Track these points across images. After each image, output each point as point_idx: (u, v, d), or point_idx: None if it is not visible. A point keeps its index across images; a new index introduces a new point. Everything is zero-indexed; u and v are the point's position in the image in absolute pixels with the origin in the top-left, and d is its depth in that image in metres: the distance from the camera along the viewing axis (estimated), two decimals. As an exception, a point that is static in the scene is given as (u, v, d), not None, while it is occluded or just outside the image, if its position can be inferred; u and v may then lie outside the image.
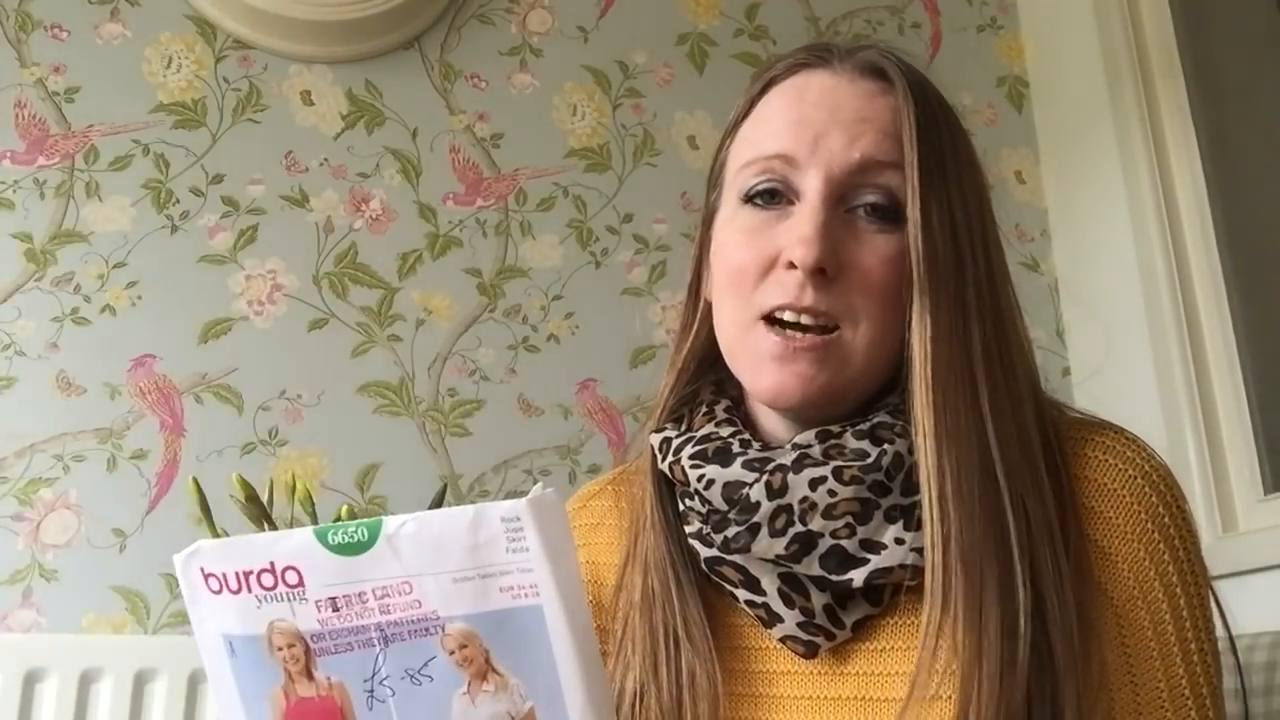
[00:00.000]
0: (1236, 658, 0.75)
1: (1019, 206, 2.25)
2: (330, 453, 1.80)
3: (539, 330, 1.94)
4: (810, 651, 0.72)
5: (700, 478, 0.74)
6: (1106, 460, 0.72)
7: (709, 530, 0.74)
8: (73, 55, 1.86)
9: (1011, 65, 2.33)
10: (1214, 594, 0.72)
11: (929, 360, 0.70)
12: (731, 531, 0.71)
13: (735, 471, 0.72)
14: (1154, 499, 0.70)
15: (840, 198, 0.74)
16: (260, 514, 1.50)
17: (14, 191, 1.79)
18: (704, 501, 0.74)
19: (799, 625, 0.72)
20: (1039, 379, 0.77)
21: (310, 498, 1.56)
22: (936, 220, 0.72)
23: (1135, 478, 0.70)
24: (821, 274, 0.72)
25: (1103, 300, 2.12)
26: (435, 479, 1.81)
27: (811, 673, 0.73)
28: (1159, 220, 1.97)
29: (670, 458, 0.77)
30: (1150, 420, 1.97)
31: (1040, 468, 0.70)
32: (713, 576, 0.75)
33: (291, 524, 1.58)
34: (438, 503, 1.60)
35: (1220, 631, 0.72)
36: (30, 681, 1.48)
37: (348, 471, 1.80)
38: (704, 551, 0.74)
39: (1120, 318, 2.06)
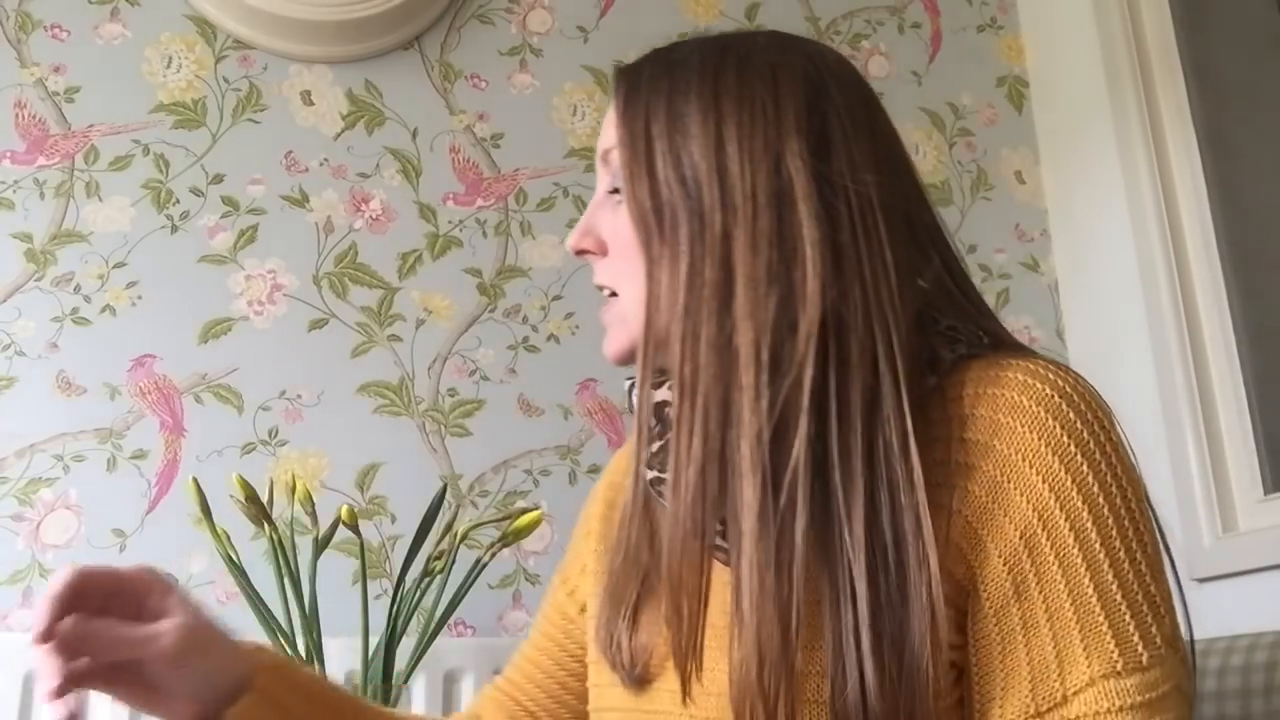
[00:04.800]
0: (1193, 654, 0.74)
1: (1019, 206, 2.25)
2: (330, 453, 1.80)
3: (539, 330, 1.94)
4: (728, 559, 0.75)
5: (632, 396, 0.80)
6: (1003, 395, 0.70)
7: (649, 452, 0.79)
8: (73, 55, 1.86)
9: (1011, 65, 2.33)
10: (1153, 512, 0.71)
11: (655, 314, 0.74)
12: (655, 447, 0.77)
13: (662, 392, 0.77)
14: (1051, 424, 0.68)
15: (608, 187, 0.81)
16: (260, 514, 1.50)
17: (14, 191, 1.79)
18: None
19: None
20: (894, 321, 0.71)
21: (310, 498, 1.57)
22: (639, 186, 0.75)
23: (1030, 407, 0.69)
24: (588, 253, 0.81)
25: (1103, 300, 2.12)
26: (435, 479, 1.81)
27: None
28: (1159, 220, 1.97)
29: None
30: (1150, 420, 1.97)
31: (803, 386, 0.69)
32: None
33: (291, 524, 1.58)
34: (437, 503, 1.60)
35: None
36: (30, 681, 1.48)
37: (348, 471, 1.80)
38: (647, 474, 0.79)
39: (1120, 318, 2.06)
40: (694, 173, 0.73)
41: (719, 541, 0.71)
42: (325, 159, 1.93)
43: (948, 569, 0.68)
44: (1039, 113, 2.30)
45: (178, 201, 1.85)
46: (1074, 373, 0.72)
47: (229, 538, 1.52)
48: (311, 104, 1.95)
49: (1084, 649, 0.65)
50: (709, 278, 0.71)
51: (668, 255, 0.73)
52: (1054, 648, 0.66)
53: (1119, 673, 0.65)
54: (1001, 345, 0.76)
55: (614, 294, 0.81)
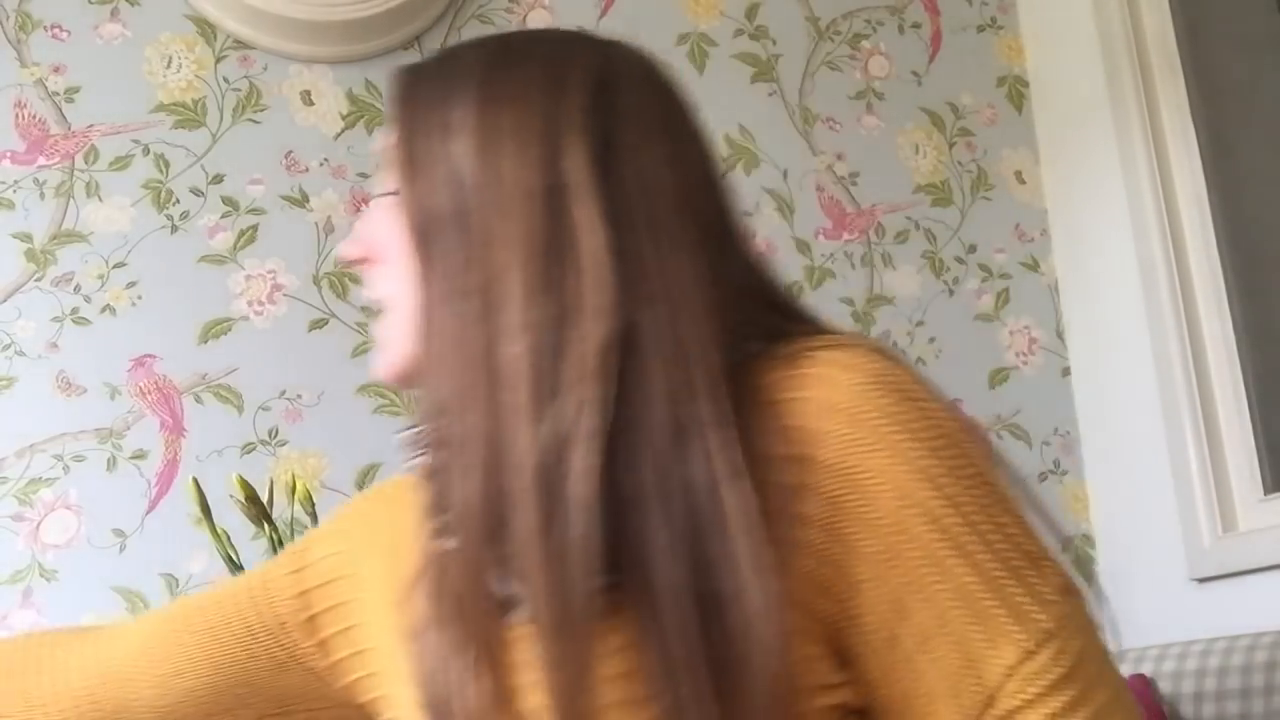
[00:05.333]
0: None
1: (1019, 206, 2.25)
2: (330, 453, 1.80)
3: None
4: None
5: None
6: (811, 397, 0.62)
7: None
8: (73, 55, 1.86)
9: (1011, 65, 2.33)
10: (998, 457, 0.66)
11: (425, 329, 0.68)
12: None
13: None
14: (869, 415, 0.61)
15: (384, 190, 0.76)
16: (260, 514, 1.50)
17: (14, 191, 1.79)
18: None
19: None
20: (698, 334, 0.63)
21: (310, 498, 1.56)
22: (410, 188, 0.69)
23: (842, 402, 0.61)
24: (359, 263, 0.76)
25: (1103, 300, 2.12)
26: (435, 479, 1.80)
27: None
28: (1159, 220, 1.97)
29: None
30: (1150, 420, 1.97)
31: (584, 386, 0.62)
32: None
33: (291, 524, 1.58)
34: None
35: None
36: (30, 681, 1.48)
37: (348, 471, 1.80)
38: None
39: (1120, 318, 2.06)
40: (466, 173, 0.67)
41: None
42: (325, 159, 1.93)
43: (807, 606, 0.61)
44: (1039, 113, 2.30)
45: (178, 201, 1.85)
46: (871, 348, 0.65)
47: (229, 538, 1.52)
48: (311, 104, 1.95)
49: (989, 642, 0.59)
50: (476, 286, 0.64)
51: (438, 262, 0.67)
52: (959, 653, 0.60)
53: (1032, 651, 0.59)
54: (798, 336, 0.67)
55: (386, 308, 0.74)
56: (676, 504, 0.59)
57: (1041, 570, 0.62)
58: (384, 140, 0.74)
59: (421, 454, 0.68)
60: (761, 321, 0.68)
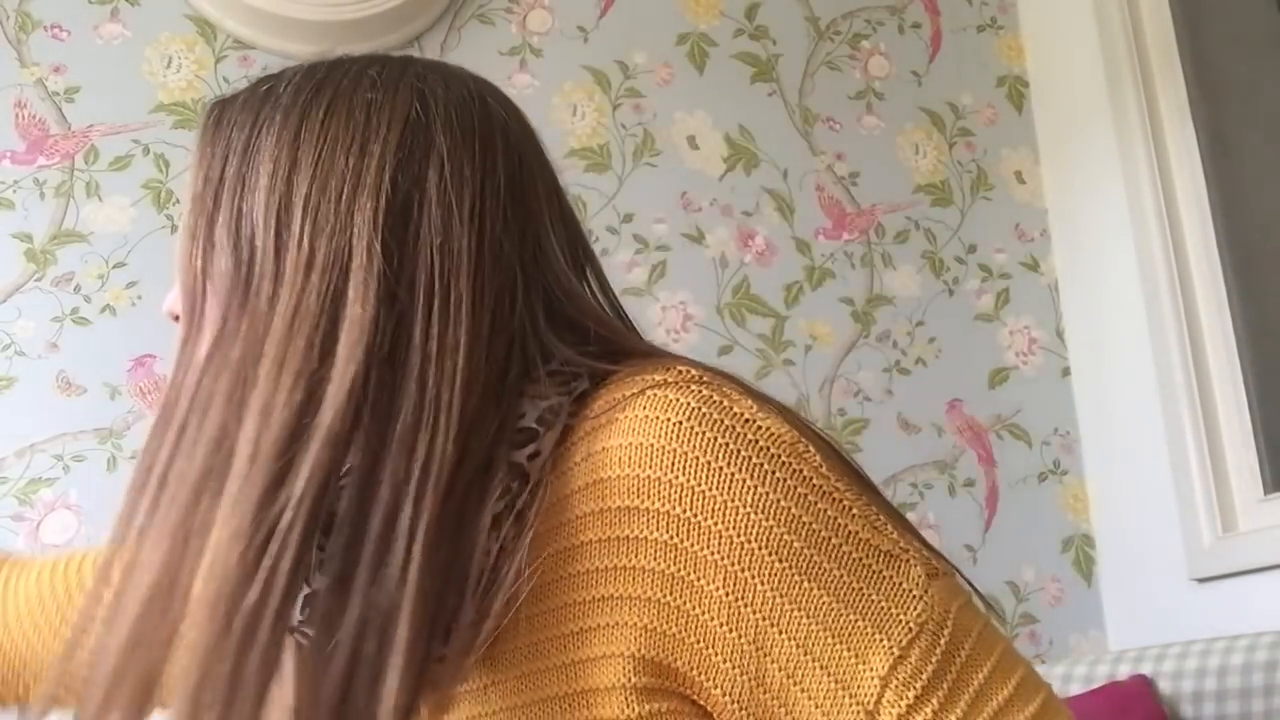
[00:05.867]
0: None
1: (1019, 206, 2.25)
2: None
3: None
4: None
5: None
6: (630, 442, 0.59)
7: None
8: (73, 55, 1.86)
9: (1011, 65, 2.33)
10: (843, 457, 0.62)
11: (173, 396, 0.62)
12: None
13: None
14: (691, 452, 0.57)
15: None
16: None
17: (14, 191, 1.79)
18: None
19: None
20: (454, 430, 0.59)
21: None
22: (193, 246, 0.64)
23: (663, 444, 0.58)
24: (178, 319, 0.68)
25: (1103, 300, 2.12)
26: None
27: None
28: (1159, 220, 1.98)
29: None
30: (1150, 420, 1.97)
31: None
32: None
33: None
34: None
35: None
36: (30, 681, 1.48)
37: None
38: None
39: (1120, 318, 2.06)
40: (252, 234, 0.62)
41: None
42: (325, 159, 1.93)
43: (651, 663, 0.58)
44: (1039, 113, 2.30)
45: (178, 201, 1.85)
46: (690, 379, 0.60)
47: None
48: (311, 104, 1.95)
49: (857, 657, 0.57)
50: (234, 358, 0.60)
51: (208, 327, 0.62)
52: (830, 676, 0.57)
53: (902, 653, 0.56)
54: (623, 371, 0.63)
55: None
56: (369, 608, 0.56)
57: (900, 565, 0.58)
58: (186, 189, 0.68)
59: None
60: (581, 363, 0.64)
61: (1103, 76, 2.11)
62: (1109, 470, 2.09)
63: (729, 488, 0.57)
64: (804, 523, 0.57)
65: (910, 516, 2.02)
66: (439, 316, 0.60)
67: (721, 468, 0.57)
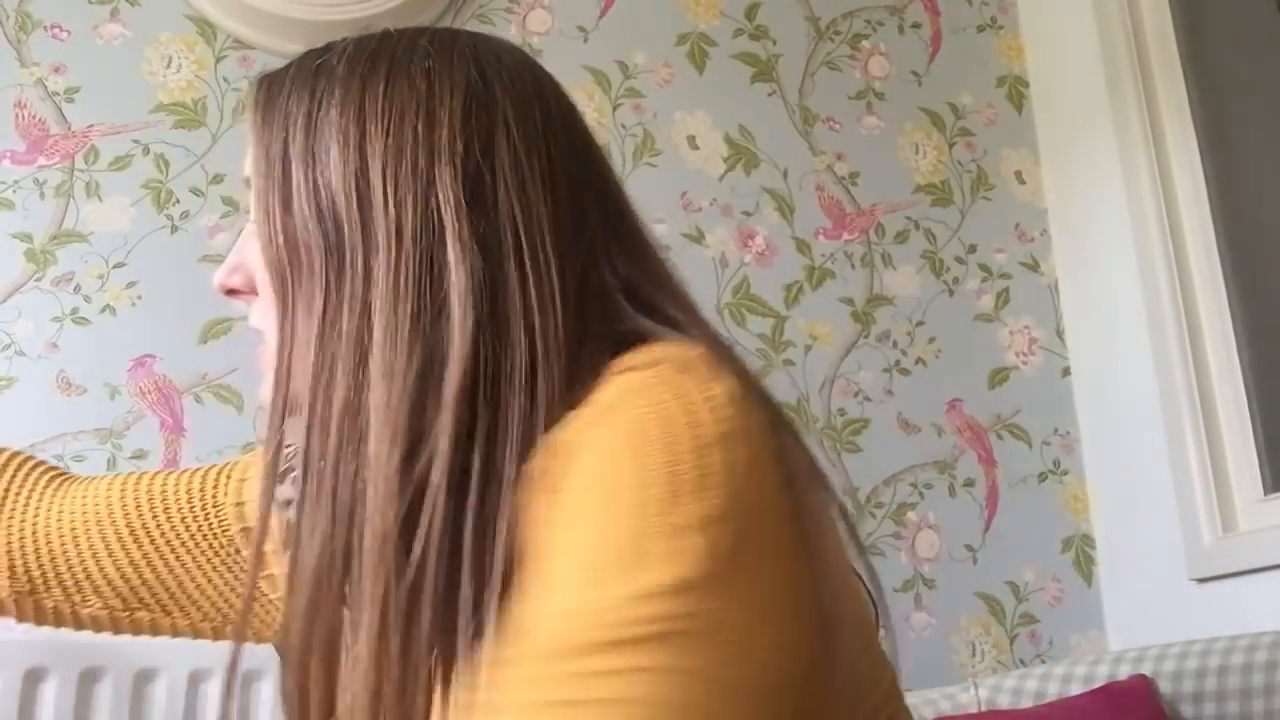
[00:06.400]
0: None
1: (1019, 206, 2.25)
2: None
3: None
4: None
5: None
6: (601, 397, 0.58)
7: None
8: (73, 55, 1.86)
9: (1011, 65, 2.33)
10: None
11: (289, 370, 0.64)
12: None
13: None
14: (625, 428, 0.55)
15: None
16: (260, 514, 1.50)
17: (14, 191, 1.79)
18: None
19: None
20: (551, 386, 0.60)
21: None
22: (272, 222, 0.65)
23: (630, 411, 0.56)
24: (238, 294, 0.72)
25: (1103, 300, 2.12)
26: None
27: None
28: (1159, 220, 1.98)
29: None
30: (1150, 420, 1.97)
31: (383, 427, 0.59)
32: None
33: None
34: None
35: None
36: (30, 681, 1.48)
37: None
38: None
39: (1120, 318, 2.06)
40: (334, 205, 0.63)
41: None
42: (325, 159, 1.93)
43: None
44: (1039, 113, 2.30)
45: (178, 201, 1.85)
46: (663, 375, 0.56)
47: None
48: (311, 104, 1.94)
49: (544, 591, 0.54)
50: (345, 329, 0.61)
51: (303, 301, 0.63)
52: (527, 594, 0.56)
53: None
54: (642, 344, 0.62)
55: (263, 340, 0.70)
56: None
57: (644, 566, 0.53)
58: (248, 163, 0.68)
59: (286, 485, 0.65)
60: (619, 331, 0.63)
61: (1103, 76, 2.11)
62: (1109, 470, 2.09)
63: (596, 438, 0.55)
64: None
65: (910, 516, 2.02)
66: (533, 277, 0.61)
67: (613, 432, 0.55)
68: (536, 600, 0.52)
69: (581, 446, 0.55)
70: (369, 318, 0.60)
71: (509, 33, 2.07)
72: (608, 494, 0.52)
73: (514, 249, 0.62)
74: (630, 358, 0.59)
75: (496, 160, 0.63)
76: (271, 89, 0.68)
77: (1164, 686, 1.59)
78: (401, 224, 0.61)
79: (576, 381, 0.60)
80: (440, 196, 0.61)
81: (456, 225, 0.61)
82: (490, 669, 0.53)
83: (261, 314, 0.69)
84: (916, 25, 2.29)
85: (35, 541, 0.87)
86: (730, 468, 0.52)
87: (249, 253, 0.70)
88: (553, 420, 0.58)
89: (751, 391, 0.57)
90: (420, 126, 0.63)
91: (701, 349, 0.58)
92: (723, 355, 0.60)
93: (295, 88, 0.67)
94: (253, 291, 0.71)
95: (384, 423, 0.58)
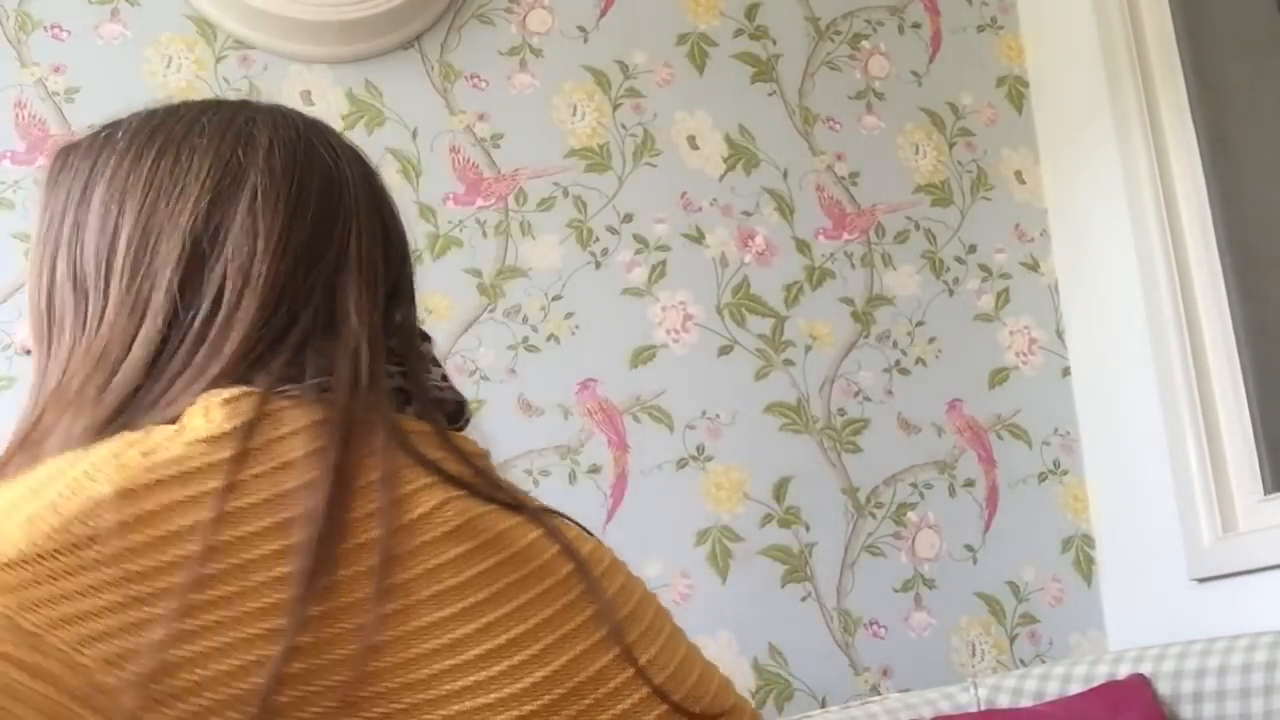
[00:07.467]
0: None
1: (1019, 206, 2.25)
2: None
3: (539, 330, 1.94)
4: None
5: None
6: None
7: None
8: (73, 55, 1.86)
9: (1011, 65, 2.33)
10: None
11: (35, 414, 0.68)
12: None
13: None
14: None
15: None
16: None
17: (14, 191, 1.79)
18: None
19: None
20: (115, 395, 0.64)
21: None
22: (36, 284, 0.71)
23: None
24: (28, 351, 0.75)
25: (1103, 300, 2.12)
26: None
27: None
28: (1159, 220, 1.97)
29: None
30: (1150, 420, 1.97)
31: None
32: None
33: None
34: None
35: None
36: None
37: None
38: None
39: (1120, 318, 2.06)
40: (86, 274, 0.68)
41: None
42: (325, 159, 1.93)
43: None
44: (1039, 113, 2.30)
45: (178, 201, 1.85)
46: (142, 452, 0.55)
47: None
48: (311, 104, 1.95)
49: None
50: (54, 368, 0.68)
51: (56, 359, 0.68)
52: None
53: None
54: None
55: None
56: None
57: None
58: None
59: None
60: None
61: (1103, 76, 2.11)
62: (1109, 470, 2.09)
63: None
64: None
65: (910, 516, 2.02)
66: (219, 325, 0.65)
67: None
68: None
69: None
70: (80, 378, 0.65)
71: (509, 33, 2.07)
72: None
73: (212, 306, 0.66)
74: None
75: (230, 226, 0.67)
76: (65, 159, 0.73)
77: (1163, 686, 1.59)
78: (126, 298, 0.66)
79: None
80: (159, 269, 0.66)
81: (163, 299, 0.66)
82: None
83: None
84: (916, 25, 2.29)
85: None
86: (94, 499, 0.52)
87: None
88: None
89: (290, 467, 0.56)
90: (168, 202, 0.68)
91: (230, 404, 0.57)
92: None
93: (81, 159, 0.72)
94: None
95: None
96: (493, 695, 0.55)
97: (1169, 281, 1.95)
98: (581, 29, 2.11)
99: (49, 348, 0.69)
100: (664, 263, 2.03)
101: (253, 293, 0.66)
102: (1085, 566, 2.08)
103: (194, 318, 0.65)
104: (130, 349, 0.65)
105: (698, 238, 2.06)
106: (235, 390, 0.59)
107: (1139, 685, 1.59)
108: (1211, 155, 1.98)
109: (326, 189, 0.71)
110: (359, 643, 0.53)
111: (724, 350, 2.02)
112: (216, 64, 1.93)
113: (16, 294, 1.75)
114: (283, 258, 0.67)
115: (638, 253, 2.02)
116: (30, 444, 0.64)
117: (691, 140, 2.10)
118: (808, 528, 1.97)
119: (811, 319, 2.08)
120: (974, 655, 1.99)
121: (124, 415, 0.62)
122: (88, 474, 0.53)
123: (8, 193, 1.79)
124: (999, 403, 2.13)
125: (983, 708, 1.69)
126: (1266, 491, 1.82)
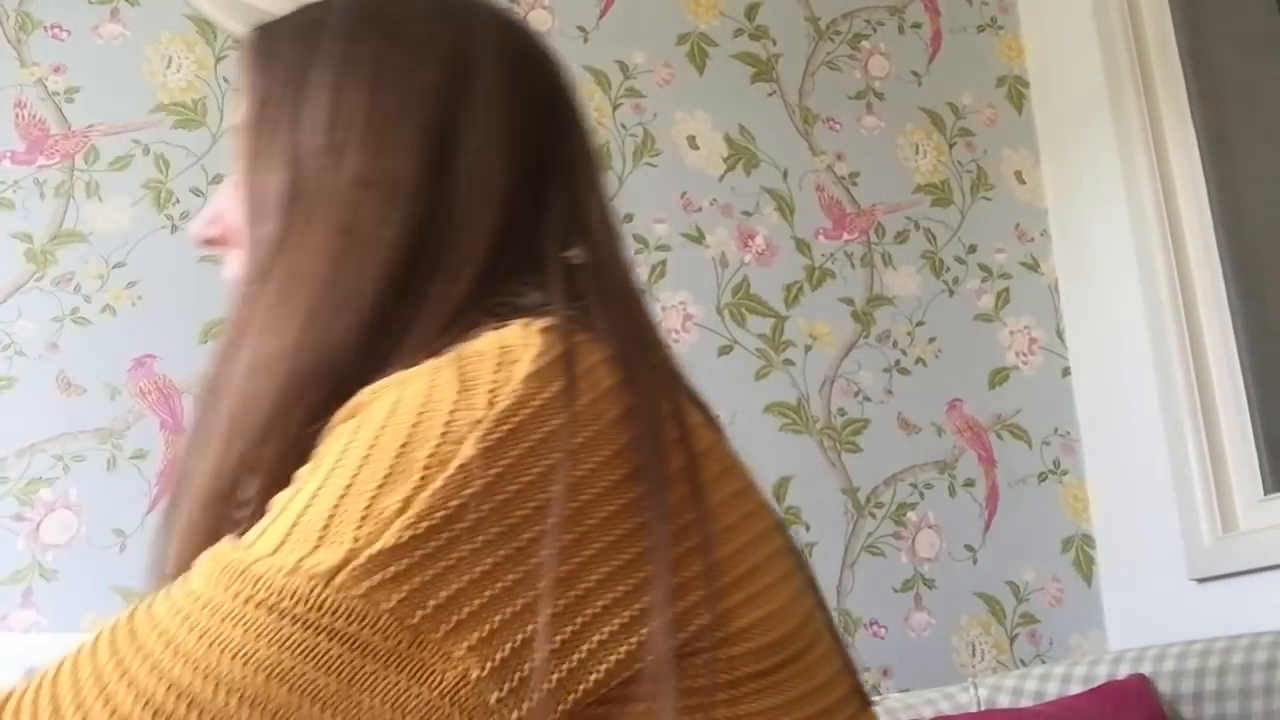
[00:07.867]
0: None
1: (1019, 206, 2.25)
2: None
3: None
4: None
5: None
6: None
7: None
8: (73, 55, 1.86)
9: (1011, 65, 2.33)
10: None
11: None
12: None
13: None
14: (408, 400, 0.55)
15: None
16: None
17: (14, 191, 1.79)
18: None
19: None
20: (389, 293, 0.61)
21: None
22: (252, 172, 0.67)
23: (421, 386, 0.55)
24: (215, 244, 0.73)
25: (1103, 300, 2.12)
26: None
27: None
28: (1159, 220, 1.98)
29: None
30: (1150, 420, 1.97)
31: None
32: None
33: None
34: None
35: None
36: (30, 680, 1.48)
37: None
38: None
39: (1120, 318, 2.06)
40: (310, 155, 0.64)
41: None
42: (325, 159, 1.93)
43: None
44: (1039, 113, 2.30)
45: (178, 201, 1.85)
46: (464, 367, 0.54)
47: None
48: (311, 104, 1.95)
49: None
50: (276, 275, 0.64)
51: (266, 245, 0.65)
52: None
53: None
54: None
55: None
56: None
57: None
58: (236, 113, 0.70)
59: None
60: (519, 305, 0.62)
61: (1103, 76, 2.11)
62: (1109, 470, 2.09)
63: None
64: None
65: (910, 516, 2.02)
66: (457, 246, 0.62)
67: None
68: (257, 528, 0.52)
69: (362, 405, 0.54)
70: (315, 265, 0.62)
71: (509, 33, 2.07)
72: (333, 460, 0.51)
73: (456, 219, 0.63)
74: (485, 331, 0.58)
75: (462, 129, 0.65)
76: (268, 41, 0.69)
77: (1163, 686, 1.59)
78: (362, 178, 0.63)
79: (447, 336, 0.59)
80: (400, 159, 0.63)
81: (407, 189, 0.63)
82: (208, 555, 0.52)
83: (233, 264, 0.70)
84: (916, 25, 2.29)
85: None
86: (464, 466, 0.49)
87: (228, 203, 0.71)
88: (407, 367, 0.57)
89: (608, 396, 0.53)
90: (399, 88, 0.65)
91: (546, 335, 0.54)
92: (620, 345, 0.57)
93: (291, 41, 0.68)
94: (232, 242, 0.71)
95: (287, 370, 0.60)
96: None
97: (1169, 281, 1.95)
98: (581, 29, 2.11)
99: (285, 230, 0.64)
100: (664, 262, 2.03)
101: (499, 190, 0.64)
102: (1085, 566, 2.08)
103: (443, 212, 0.63)
104: (380, 244, 0.62)
105: (698, 238, 2.06)
106: (545, 320, 0.56)
107: (1139, 685, 1.59)
108: (1211, 155, 1.98)
109: (548, 86, 0.72)
110: (702, 563, 0.52)
111: (724, 350, 2.02)
112: (216, 64, 1.93)
113: (16, 294, 1.75)
114: (520, 160, 0.66)
115: (638, 253, 2.02)
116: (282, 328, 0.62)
117: (691, 140, 2.10)
118: (808, 527, 1.97)
119: (811, 319, 2.08)
120: (974, 655, 1.99)
121: (399, 317, 0.60)
122: (447, 436, 0.50)
123: (8, 193, 1.79)
124: (999, 403, 2.13)
125: (983, 708, 1.69)
126: (1266, 491, 1.82)
